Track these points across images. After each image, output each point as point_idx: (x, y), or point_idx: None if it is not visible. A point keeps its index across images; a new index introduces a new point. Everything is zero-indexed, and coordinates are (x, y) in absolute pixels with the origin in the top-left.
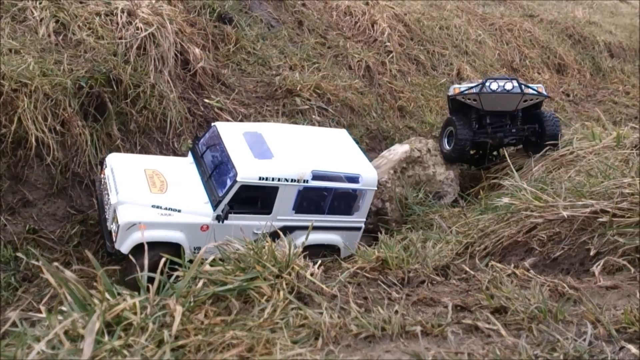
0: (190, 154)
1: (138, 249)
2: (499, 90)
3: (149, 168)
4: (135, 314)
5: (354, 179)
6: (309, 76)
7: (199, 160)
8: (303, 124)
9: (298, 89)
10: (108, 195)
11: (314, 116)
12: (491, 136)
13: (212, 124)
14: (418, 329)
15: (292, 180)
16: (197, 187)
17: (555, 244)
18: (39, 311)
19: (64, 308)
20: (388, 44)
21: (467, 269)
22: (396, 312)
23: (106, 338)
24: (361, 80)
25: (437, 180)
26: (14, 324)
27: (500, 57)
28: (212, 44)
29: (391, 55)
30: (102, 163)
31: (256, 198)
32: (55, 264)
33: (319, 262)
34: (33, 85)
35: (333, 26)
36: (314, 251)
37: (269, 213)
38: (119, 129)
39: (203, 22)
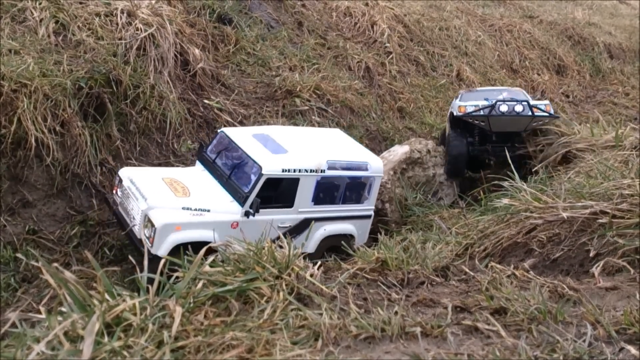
0: (198, 162)
1: (174, 251)
2: (509, 113)
3: (166, 177)
4: (135, 314)
5: (363, 167)
6: (309, 77)
7: (210, 166)
8: (303, 125)
9: (298, 89)
10: (134, 203)
11: (313, 117)
12: (494, 154)
13: (218, 130)
14: (418, 330)
15: (311, 171)
16: (217, 190)
17: (554, 245)
18: (39, 312)
19: (63, 309)
20: (388, 44)
21: (467, 270)
22: (396, 313)
23: (106, 339)
24: (361, 81)
25: (437, 181)
26: (13, 325)
27: (499, 58)
28: (212, 45)
29: (391, 56)
30: (102, 164)
31: (277, 192)
32: (55, 264)
33: (319, 263)
34: (33, 85)
35: (333, 27)
36: (333, 240)
37: (291, 206)
38: (118, 129)
39: (203, 23)
